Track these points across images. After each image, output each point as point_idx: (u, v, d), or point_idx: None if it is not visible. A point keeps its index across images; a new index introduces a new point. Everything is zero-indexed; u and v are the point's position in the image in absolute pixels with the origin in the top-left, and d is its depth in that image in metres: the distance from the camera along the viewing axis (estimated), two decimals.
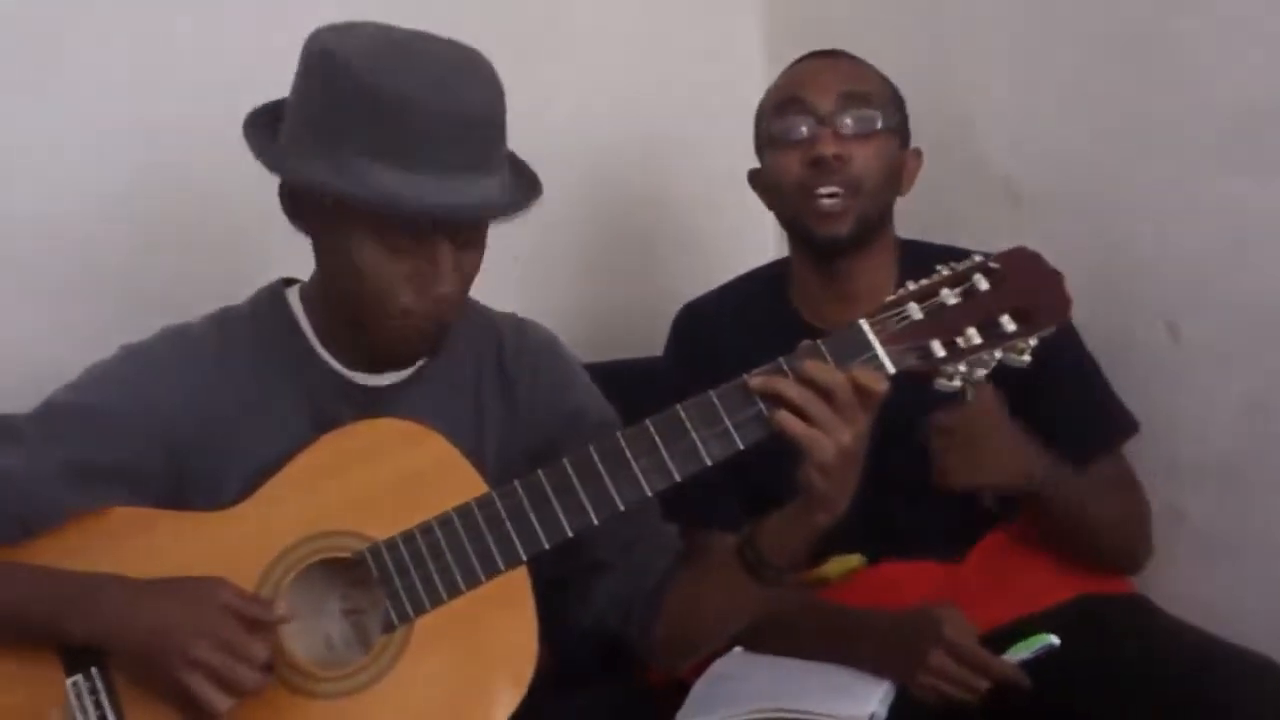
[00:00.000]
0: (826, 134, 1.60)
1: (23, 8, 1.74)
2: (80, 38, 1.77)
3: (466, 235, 1.36)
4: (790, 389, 1.28)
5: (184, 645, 1.26)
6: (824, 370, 1.28)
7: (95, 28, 1.78)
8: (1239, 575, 1.72)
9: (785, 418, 1.28)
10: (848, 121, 1.61)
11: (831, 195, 1.60)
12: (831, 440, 1.27)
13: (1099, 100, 1.81)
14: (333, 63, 1.32)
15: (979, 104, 1.97)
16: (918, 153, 1.70)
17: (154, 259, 1.81)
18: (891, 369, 1.30)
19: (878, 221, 1.65)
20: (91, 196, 1.79)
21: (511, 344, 1.51)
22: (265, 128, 1.39)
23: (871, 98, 1.64)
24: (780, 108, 1.65)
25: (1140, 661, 1.49)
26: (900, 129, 1.68)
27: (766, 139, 1.67)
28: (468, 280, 1.39)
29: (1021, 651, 1.48)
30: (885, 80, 1.69)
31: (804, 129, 1.62)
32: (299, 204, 1.38)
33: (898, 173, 1.66)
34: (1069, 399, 1.63)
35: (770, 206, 1.70)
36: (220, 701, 1.26)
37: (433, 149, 1.30)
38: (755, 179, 1.72)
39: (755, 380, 1.30)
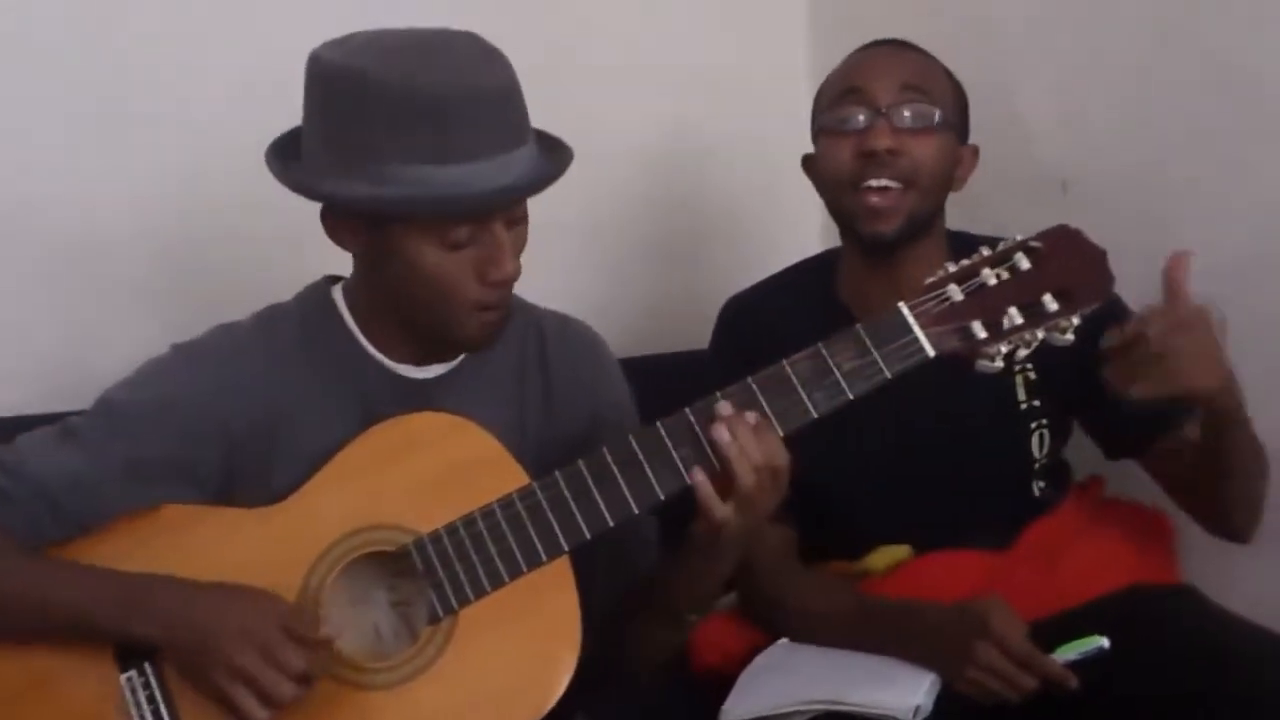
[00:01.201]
0: (882, 126, 1.58)
1: (72, 8, 1.78)
2: (129, 37, 1.81)
3: (516, 211, 1.37)
4: (725, 440, 1.30)
5: (227, 651, 1.28)
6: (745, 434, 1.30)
7: (143, 27, 1.82)
8: None
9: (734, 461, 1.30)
10: (905, 114, 1.58)
11: (883, 189, 1.57)
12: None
13: (1150, 93, 1.80)
14: (345, 76, 1.32)
15: (1029, 97, 1.96)
16: (975, 150, 1.68)
17: (205, 259, 1.85)
18: (932, 352, 1.29)
19: (929, 218, 1.62)
20: (142, 198, 1.82)
21: (554, 340, 1.52)
22: (289, 158, 1.39)
23: (932, 91, 1.61)
24: (838, 96, 1.62)
25: (1189, 654, 1.46)
26: (959, 125, 1.65)
27: (822, 126, 1.64)
28: (520, 256, 1.39)
29: (1070, 652, 1.46)
30: (948, 74, 1.66)
31: (859, 119, 1.59)
32: (342, 225, 1.39)
33: (952, 169, 1.63)
34: None
35: (822, 195, 1.68)
36: (256, 710, 1.28)
37: (465, 136, 1.30)
38: (809, 164, 1.70)
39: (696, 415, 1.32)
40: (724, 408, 1.30)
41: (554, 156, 1.39)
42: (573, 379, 1.51)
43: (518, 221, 1.38)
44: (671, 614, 1.45)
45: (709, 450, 1.31)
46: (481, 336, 1.41)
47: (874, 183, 1.57)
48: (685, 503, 1.33)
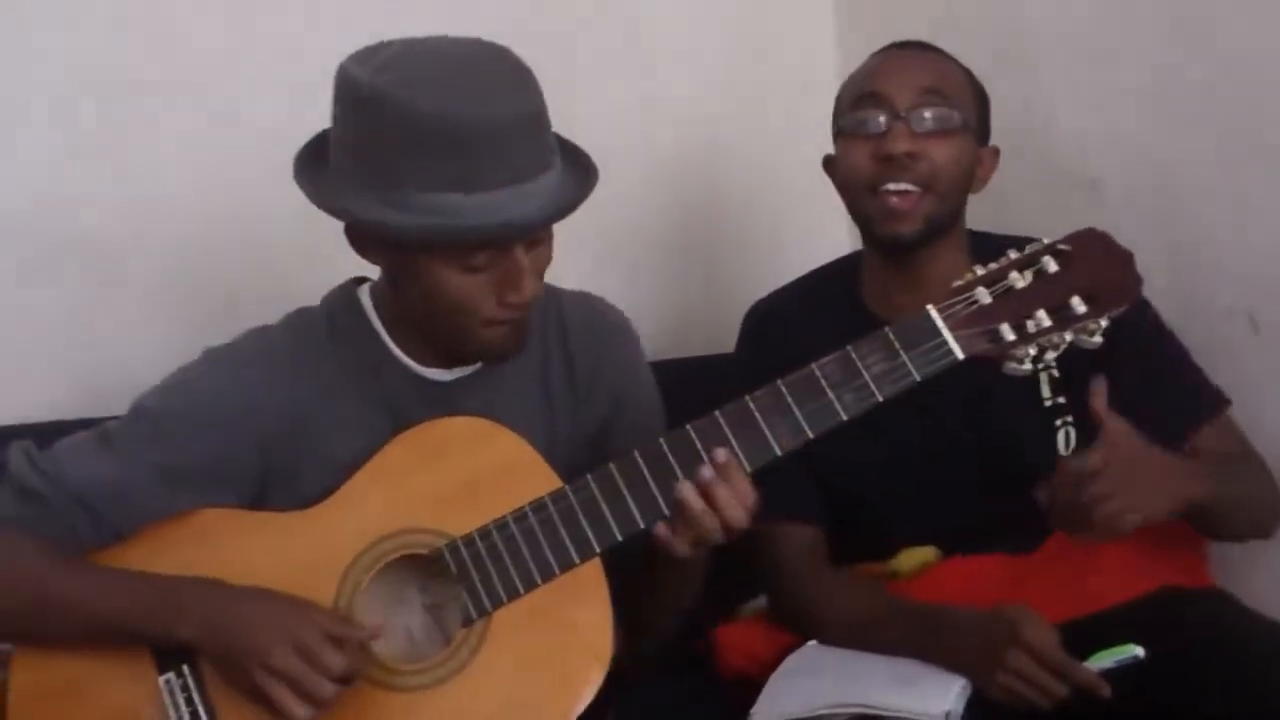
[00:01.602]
0: (901, 130, 1.57)
1: (76, 13, 1.80)
2: (133, 55, 1.82)
3: (537, 235, 1.38)
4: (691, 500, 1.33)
5: (266, 651, 1.30)
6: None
7: (149, 43, 1.83)
8: None
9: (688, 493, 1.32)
10: (924, 117, 1.58)
11: (902, 193, 1.57)
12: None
13: (1177, 92, 1.79)
14: (371, 98, 1.32)
15: (1056, 97, 1.95)
16: (995, 151, 1.68)
17: (210, 270, 1.86)
18: (961, 355, 1.30)
19: (948, 220, 1.62)
20: (146, 208, 1.83)
21: (575, 319, 1.53)
22: (316, 164, 1.40)
23: (951, 94, 1.61)
24: (858, 99, 1.62)
25: (1218, 659, 1.46)
26: (979, 127, 1.65)
27: (841, 129, 1.64)
28: (543, 275, 1.41)
29: (1105, 660, 1.45)
30: (968, 76, 1.66)
31: (879, 122, 1.59)
32: (366, 242, 1.41)
33: (972, 171, 1.63)
34: (1164, 370, 1.59)
35: (842, 196, 1.68)
36: (297, 709, 1.30)
37: (489, 167, 1.31)
38: (830, 166, 1.70)
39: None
40: (705, 473, 1.33)
41: (578, 177, 1.39)
42: (595, 360, 1.52)
43: (540, 243, 1.39)
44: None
45: (740, 455, 1.33)
46: (499, 350, 1.43)
47: (892, 186, 1.58)
48: None
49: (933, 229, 1.60)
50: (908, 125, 1.58)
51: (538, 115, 1.36)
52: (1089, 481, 1.35)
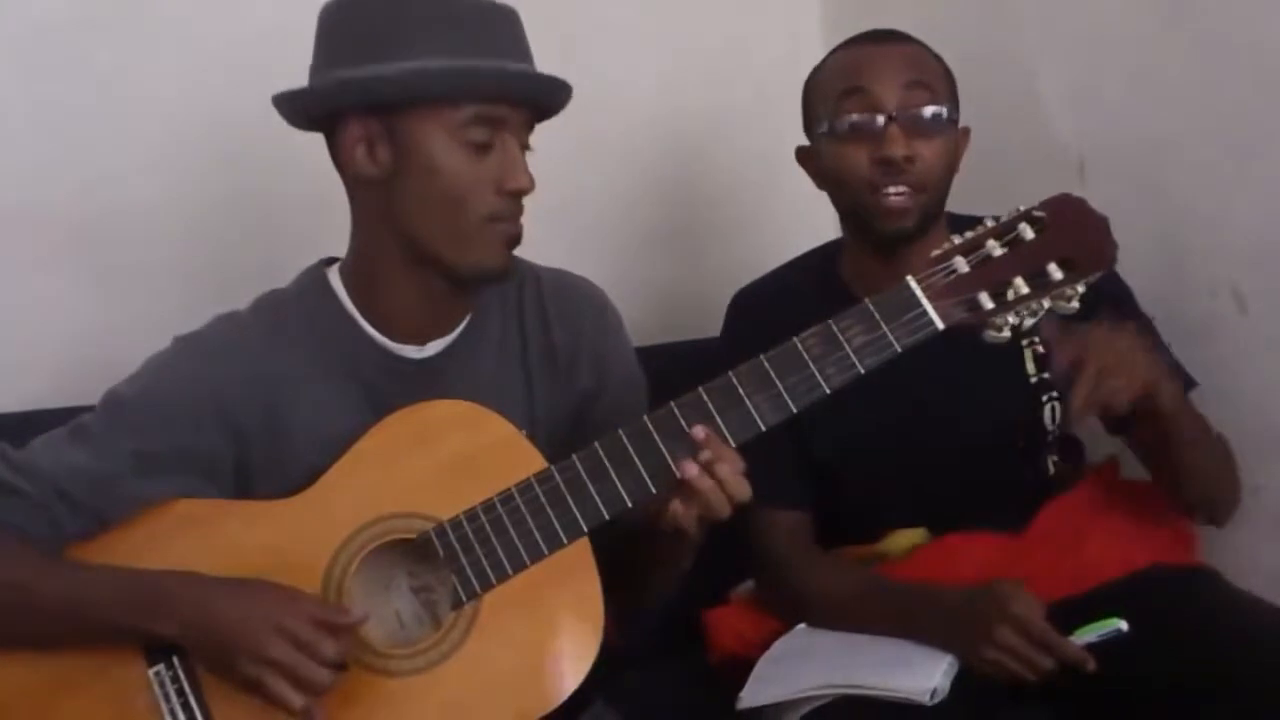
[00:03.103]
0: (895, 132, 1.58)
1: (71, 3, 1.81)
2: (133, 31, 1.84)
3: (524, 135, 1.42)
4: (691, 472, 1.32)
5: (257, 643, 1.29)
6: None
7: (147, 24, 1.84)
8: None
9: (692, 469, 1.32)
10: (915, 116, 1.59)
11: (900, 194, 1.59)
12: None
13: (1164, 71, 1.81)
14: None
15: (1044, 76, 1.97)
16: (966, 131, 1.70)
17: (209, 252, 1.87)
18: (940, 324, 1.31)
19: (939, 209, 1.65)
20: (143, 192, 1.84)
21: (553, 294, 1.53)
22: (296, 100, 1.43)
23: (934, 86, 1.62)
24: (842, 95, 1.62)
25: (1206, 636, 1.47)
26: (956, 114, 1.66)
27: (827, 126, 1.64)
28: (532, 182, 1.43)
29: (1089, 634, 1.47)
30: (940, 61, 1.67)
31: (873, 123, 1.59)
32: (357, 144, 1.40)
33: (957, 159, 1.66)
34: None
35: (823, 188, 1.69)
36: (294, 698, 1.29)
37: (489, 38, 1.38)
38: (806, 159, 1.71)
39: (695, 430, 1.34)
40: (699, 432, 1.33)
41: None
42: (574, 334, 1.52)
43: (526, 147, 1.42)
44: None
45: (724, 430, 1.33)
46: (495, 261, 1.42)
47: (893, 190, 1.59)
48: None
49: (927, 218, 1.62)
50: (900, 126, 1.59)
51: (518, 17, 1.42)
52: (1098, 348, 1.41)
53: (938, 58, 1.68)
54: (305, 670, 1.29)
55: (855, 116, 1.61)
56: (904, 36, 1.68)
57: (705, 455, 1.32)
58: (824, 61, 1.70)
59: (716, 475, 1.32)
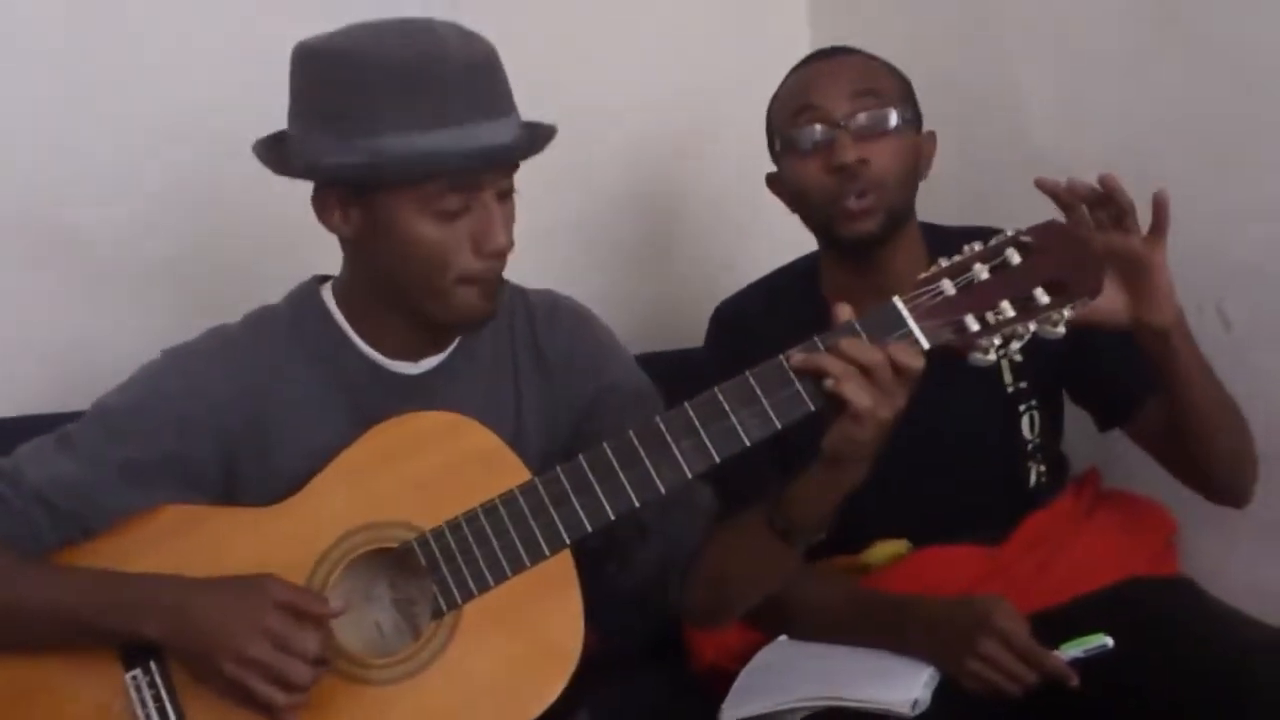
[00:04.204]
0: (844, 139, 1.60)
1: (60, 10, 1.80)
2: (116, 41, 1.83)
3: (504, 183, 1.39)
4: (833, 364, 1.29)
5: (237, 644, 1.29)
6: (862, 347, 1.29)
7: (134, 30, 1.84)
8: None
9: (844, 383, 1.27)
10: (862, 121, 1.61)
11: (860, 196, 1.60)
12: (872, 415, 1.28)
13: (1147, 82, 1.81)
14: (332, 53, 1.35)
15: (1027, 86, 1.97)
16: (932, 135, 1.71)
17: (197, 262, 1.86)
18: (926, 345, 1.31)
19: (905, 212, 1.65)
20: (133, 202, 1.84)
21: (543, 318, 1.53)
22: (276, 143, 1.42)
23: (883, 94, 1.63)
24: (794, 115, 1.64)
25: (1186, 648, 1.48)
26: (915, 118, 1.67)
27: (784, 147, 1.67)
28: (512, 230, 1.41)
29: (1074, 649, 1.47)
30: (893, 71, 1.69)
31: (820, 135, 1.61)
32: (333, 203, 1.40)
33: (918, 162, 1.66)
34: (1118, 347, 1.61)
35: (794, 209, 1.71)
36: (277, 697, 1.29)
37: (454, 103, 1.33)
38: (774, 183, 1.73)
39: (796, 358, 1.31)
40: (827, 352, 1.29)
41: (537, 129, 1.42)
42: (568, 357, 1.52)
43: (506, 195, 1.40)
44: (783, 538, 1.42)
45: (709, 445, 1.32)
46: (476, 313, 1.42)
47: (853, 201, 1.60)
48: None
49: (894, 222, 1.63)
50: (848, 132, 1.61)
51: (494, 62, 1.38)
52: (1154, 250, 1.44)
53: (891, 68, 1.69)
54: (287, 668, 1.29)
55: (807, 130, 1.63)
56: (850, 50, 1.70)
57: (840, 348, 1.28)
58: (779, 86, 1.72)
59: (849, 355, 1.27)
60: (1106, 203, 1.42)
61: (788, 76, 1.71)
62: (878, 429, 1.29)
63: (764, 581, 1.49)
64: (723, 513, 1.49)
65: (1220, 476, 1.61)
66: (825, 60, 1.69)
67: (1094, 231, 1.42)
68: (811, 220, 1.68)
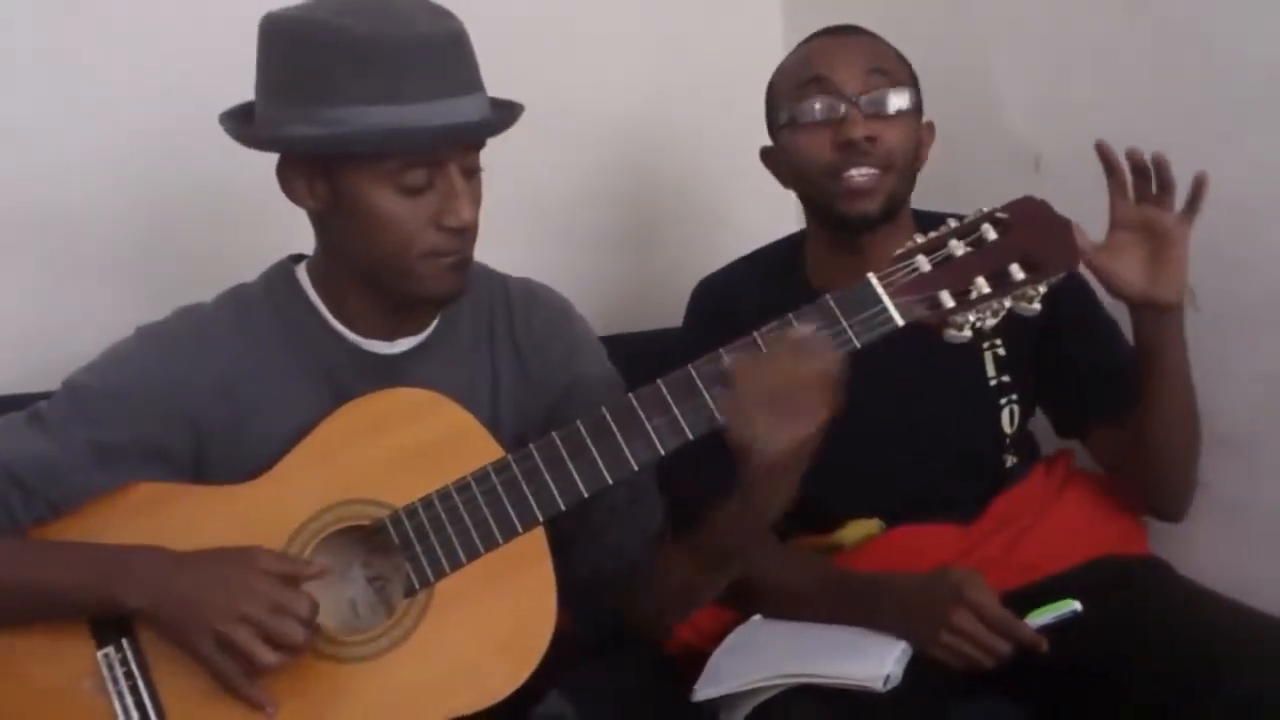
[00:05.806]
0: (856, 115, 1.58)
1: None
2: (87, 27, 1.81)
3: (470, 160, 1.38)
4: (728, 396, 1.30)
5: (229, 603, 1.28)
6: (759, 369, 1.30)
7: (101, 17, 1.82)
8: (1260, 544, 1.71)
9: (733, 416, 1.30)
10: (877, 100, 1.60)
11: (864, 175, 1.59)
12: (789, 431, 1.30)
13: (1121, 68, 1.81)
14: (299, 27, 1.34)
15: (1002, 72, 1.97)
16: (931, 126, 1.70)
17: (167, 243, 1.85)
18: (900, 321, 1.31)
19: (905, 197, 1.65)
20: (103, 182, 1.82)
21: (521, 306, 1.53)
22: (241, 119, 1.41)
23: (895, 75, 1.62)
24: (803, 87, 1.62)
25: (1156, 624, 1.49)
26: (919, 105, 1.67)
27: (788, 119, 1.64)
28: (479, 208, 1.40)
29: (1043, 616, 1.48)
30: (902, 55, 1.68)
31: (834, 109, 1.59)
32: (297, 176, 1.39)
33: (919, 148, 1.66)
34: (1101, 347, 1.64)
35: (789, 184, 1.69)
36: (267, 655, 1.28)
37: (419, 78, 1.32)
38: (769, 157, 1.71)
39: (729, 358, 1.31)
40: (729, 360, 1.31)
41: (506, 108, 1.41)
42: (544, 349, 1.51)
43: (473, 172, 1.39)
44: (716, 559, 1.44)
45: (682, 422, 1.33)
46: (443, 287, 1.41)
47: (855, 172, 1.59)
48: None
49: (894, 205, 1.62)
50: (860, 110, 1.59)
51: (461, 39, 1.37)
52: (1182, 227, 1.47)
53: (900, 53, 1.68)
54: (280, 626, 1.28)
55: (816, 104, 1.61)
56: (862, 30, 1.69)
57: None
58: (785, 59, 1.70)
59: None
60: (1149, 176, 1.46)
61: (796, 48, 1.69)
62: (798, 448, 1.30)
63: (692, 603, 1.51)
64: (677, 522, 1.49)
65: (1168, 493, 1.65)
66: (837, 36, 1.67)
67: (1131, 200, 1.48)
68: (810, 196, 1.66)
